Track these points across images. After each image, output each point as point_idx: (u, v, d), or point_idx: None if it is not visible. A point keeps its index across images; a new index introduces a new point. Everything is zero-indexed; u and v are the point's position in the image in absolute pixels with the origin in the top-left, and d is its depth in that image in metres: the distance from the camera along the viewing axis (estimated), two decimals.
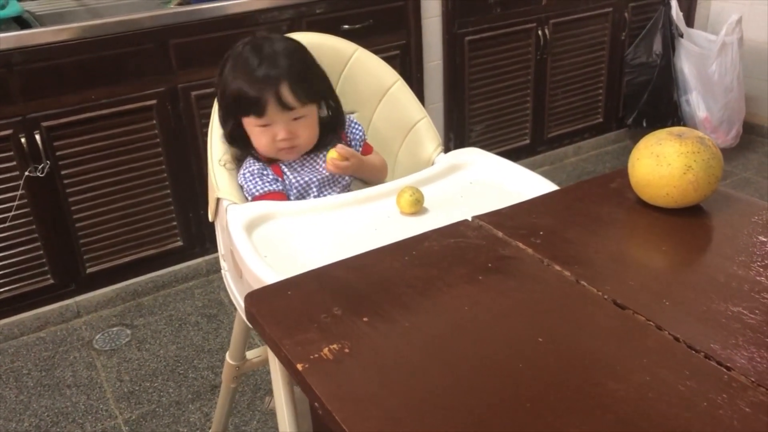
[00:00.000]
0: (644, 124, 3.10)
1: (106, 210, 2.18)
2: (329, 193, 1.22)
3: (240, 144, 1.23)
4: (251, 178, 1.19)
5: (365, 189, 1.18)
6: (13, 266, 2.09)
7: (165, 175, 2.23)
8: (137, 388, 1.94)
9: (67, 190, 2.09)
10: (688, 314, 0.73)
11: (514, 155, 2.93)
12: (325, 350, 0.70)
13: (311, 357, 0.69)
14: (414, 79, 2.58)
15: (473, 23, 2.64)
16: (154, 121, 2.16)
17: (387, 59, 2.48)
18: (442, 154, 1.35)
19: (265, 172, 1.19)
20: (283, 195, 1.20)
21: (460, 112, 2.76)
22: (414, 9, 2.49)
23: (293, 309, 0.77)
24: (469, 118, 2.80)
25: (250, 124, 1.18)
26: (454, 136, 2.79)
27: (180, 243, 2.34)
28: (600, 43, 2.98)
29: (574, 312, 0.75)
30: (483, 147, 2.86)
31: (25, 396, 1.93)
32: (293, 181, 1.21)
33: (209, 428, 1.77)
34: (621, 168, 1.02)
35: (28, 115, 1.97)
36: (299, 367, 0.68)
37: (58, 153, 2.04)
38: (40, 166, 2.01)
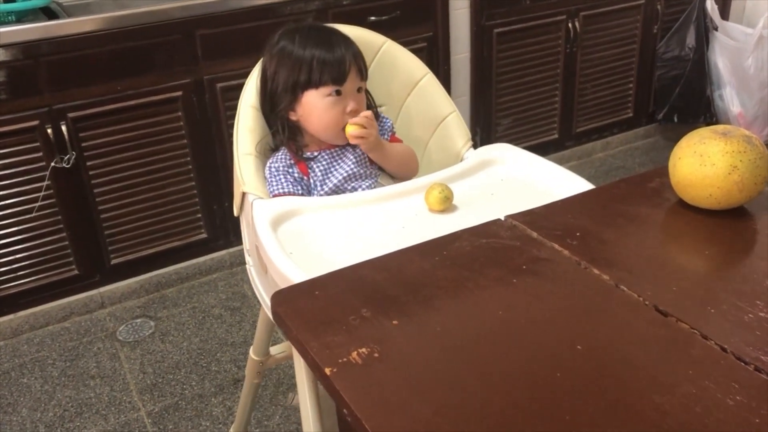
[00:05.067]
0: (675, 120, 3.03)
1: (131, 201, 2.17)
2: (356, 189, 1.20)
3: (285, 128, 1.20)
4: (276, 174, 1.17)
5: (393, 185, 1.15)
6: (38, 256, 2.09)
7: (190, 167, 2.22)
8: (160, 381, 1.93)
9: (93, 181, 2.09)
10: (735, 323, 0.69)
11: (541, 150, 2.88)
12: (354, 354, 0.67)
13: (339, 361, 0.67)
14: (441, 71, 2.55)
15: (502, 15, 2.59)
16: (180, 113, 2.15)
17: (414, 51, 2.45)
18: (472, 149, 1.32)
19: (290, 171, 1.17)
20: None
21: (487, 105, 2.72)
22: (442, 0, 2.45)
23: (320, 310, 0.75)
24: (496, 112, 2.76)
25: (319, 96, 1.15)
26: (481, 130, 2.75)
27: (204, 235, 2.33)
28: (631, 36, 2.92)
29: (614, 318, 0.71)
30: (510, 141, 2.81)
31: (49, 386, 1.94)
32: (320, 175, 1.19)
33: (232, 422, 1.76)
34: (660, 167, 0.98)
35: (55, 106, 1.97)
36: (327, 371, 0.65)
37: (83, 144, 2.04)
38: (66, 157, 2.01)
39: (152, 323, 2.18)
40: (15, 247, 2.05)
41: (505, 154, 1.23)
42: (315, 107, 1.15)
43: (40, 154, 1.99)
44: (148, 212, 2.21)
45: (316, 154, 1.20)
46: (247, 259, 1.27)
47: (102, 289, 2.23)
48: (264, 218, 1.05)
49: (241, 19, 2.12)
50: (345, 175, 1.18)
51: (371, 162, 1.22)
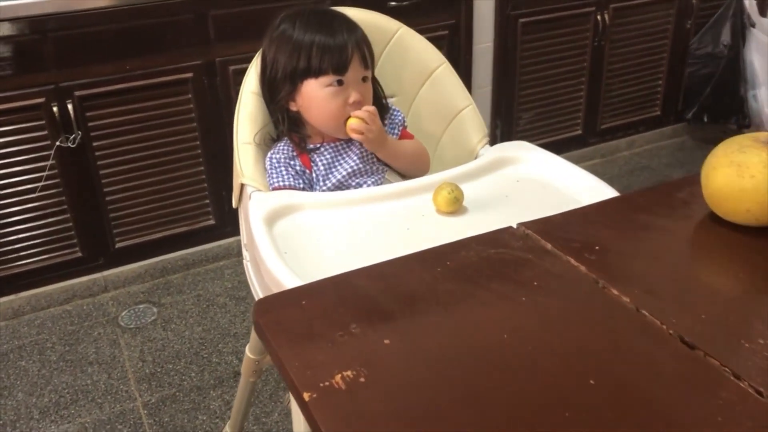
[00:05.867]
0: (705, 119, 2.91)
1: (137, 184, 2.12)
2: (361, 185, 1.12)
3: (285, 119, 1.13)
4: (277, 165, 1.10)
5: (400, 183, 1.08)
6: (41, 237, 2.05)
7: (199, 151, 2.16)
8: (159, 370, 1.88)
9: (98, 162, 2.04)
10: None
11: (564, 146, 2.79)
12: (338, 377, 0.60)
13: (321, 385, 0.59)
14: (462, 61, 2.46)
15: (528, 4, 2.49)
16: (190, 95, 2.09)
17: (434, 39, 2.37)
18: (488, 146, 1.24)
19: (291, 163, 1.10)
20: None
21: (508, 98, 2.62)
22: None
23: (306, 322, 0.68)
24: (518, 105, 2.66)
25: (319, 86, 1.07)
26: (501, 123, 2.65)
27: (212, 221, 2.27)
28: (663, 31, 2.80)
29: (633, 349, 0.63)
30: (531, 136, 2.74)
31: (47, 370, 1.89)
32: (322, 169, 1.11)
33: (229, 418, 1.70)
34: (691, 175, 0.89)
35: (61, 83, 1.91)
36: (306, 396, 0.58)
37: (90, 124, 1.99)
38: (71, 137, 1.95)
39: (155, 310, 2.13)
40: (18, 227, 2.01)
41: (522, 153, 1.15)
42: (315, 98, 1.07)
43: (45, 132, 1.94)
44: (155, 196, 2.16)
45: (319, 146, 1.13)
46: (245, 253, 1.20)
47: (105, 273, 2.18)
48: (259, 213, 0.99)
49: (255, 1, 2.05)
50: (349, 170, 1.11)
51: (377, 158, 1.14)
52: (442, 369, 0.62)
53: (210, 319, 2.08)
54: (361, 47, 1.07)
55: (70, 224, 2.07)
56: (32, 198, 1.99)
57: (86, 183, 2.04)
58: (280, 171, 1.10)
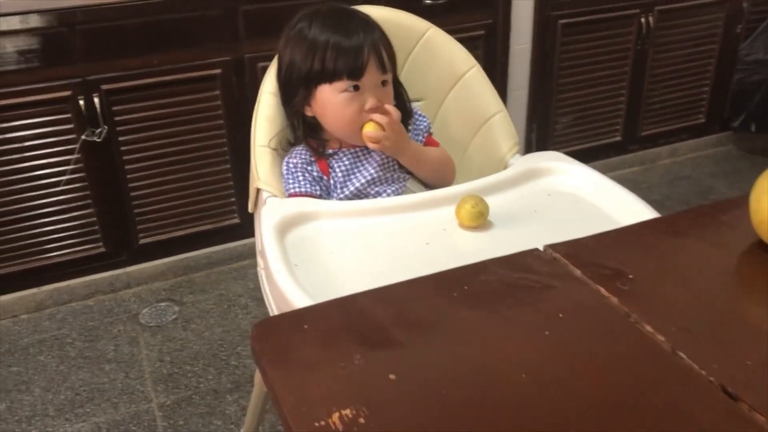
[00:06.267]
0: (752, 129, 2.79)
1: (162, 180, 2.09)
2: (381, 194, 1.06)
3: (301, 124, 1.08)
4: (294, 170, 1.05)
5: (421, 193, 1.01)
6: (65, 231, 2.03)
7: (226, 148, 2.12)
8: (176, 371, 1.85)
9: (124, 158, 2.01)
10: None
11: (602, 152, 2.69)
12: (335, 416, 0.55)
13: (316, 425, 0.54)
14: (498, 62, 2.38)
15: (569, 5, 2.40)
16: (218, 92, 2.05)
17: (470, 39, 2.31)
18: (518, 155, 1.17)
19: (309, 168, 1.05)
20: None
21: (546, 101, 2.54)
22: None
23: (306, 350, 0.62)
24: (555, 109, 2.57)
25: (335, 90, 1.01)
26: (537, 128, 2.57)
27: (237, 220, 2.23)
28: (711, 36, 2.68)
29: (668, 397, 0.56)
30: (568, 141, 2.64)
31: (65, 366, 1.88)
32: (340, 176, 1.06)
33: (244, 424, 1.66)
34: (739, 196, 0.81)
35: (88, 77, 1.89)
36: None
37: (116, 118, 1.96)
38: (97, 131, 1.93)
39: (176, 308, 2.10)
40: (42, 220, 1.99)
41: (555, 165, 1.08)
42: (329, 104, 1.01)
43: (71, 126, 1.92)
44: (180, 193, 2.13)
45: (337, 151, 1.07)
46: (259, 261, 1.15)
47: (128, 269, 2.16)
48: (272, 222, 0.93)
49: None
50: (368, 178, 1.05)
51: (400, 165, 1.08)
52: (452, 412, 0.55)
53: (230, 320, 2.04)
54: (379, 49, 1.01)
55: (94, 219, 2.05)
56: (57, 192, 1.97)
57: (111, 178, 2.02)
58: (297, 176, 1.05)
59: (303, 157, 1.06)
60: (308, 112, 1.05)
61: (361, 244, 0.92)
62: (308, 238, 0.93)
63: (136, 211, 2.09)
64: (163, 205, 2.12)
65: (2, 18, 1.76)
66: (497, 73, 2.38)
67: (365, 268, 0.87)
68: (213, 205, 2.19)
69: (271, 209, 0.96)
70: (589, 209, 0.97)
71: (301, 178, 1.05)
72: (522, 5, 2.35)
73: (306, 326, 0.65)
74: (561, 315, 0.66)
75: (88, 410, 1.74)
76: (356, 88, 1.00)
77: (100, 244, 2.09)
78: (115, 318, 2.06)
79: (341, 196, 1.06)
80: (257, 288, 2.17)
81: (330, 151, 1.07)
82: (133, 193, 2.07)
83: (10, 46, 1.79)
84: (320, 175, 1.06)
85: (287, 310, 0.79)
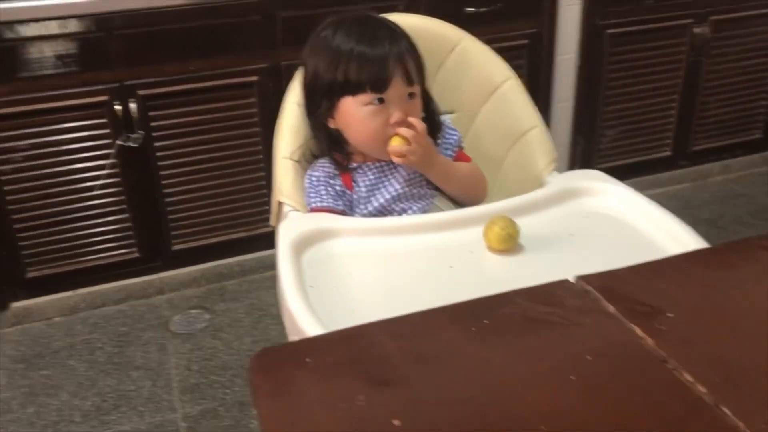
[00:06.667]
0: None
1: (197, 187, 2.07)
2: (406, 211, 1.01)
3: (325, 136, 1.03)
4: (316, 184, 1.00)
5: (449, 212, 0.96)
6: (100, 235, 2.03)
7: (261, 156, 2.10)
8: (204, 381, 1.82)
9: (159, 163, 2.00)
10: None
11: (650, 167, 2.59)
12: None
13: None
14: (543, 72, 2.30)
15: (619, 14, 2.31)
16: (254, 99, 2.02)
17: (513, 49, 2.23)
18: (556, 173, 1.11)
19: (331, 182, 1.00)
20: (341, 215, 1.00)
21: (592, 113, 2.45)
22: None
23: (306, 386, 0.57)
24: (602, 122, 2.48)
25: (358, 103, 0.96)
26: (583, 141, 2.48)
27: (271, 228, 2.20)
28: None
29: None
30: (615, 155, 2.54)
31: (93, 372, 1.87)
32: (364, 191, 1.01)
33: None
34: None
35: (125, 82, 1.88)
36: None
37: (152, 124, 1.95)
38: (133, 136, 1.92)
39: (207, 316, 2.08)
40: (77, 224, 1.99)
41: (595, 185, 1.01)
42: (353, 117, 0.96)
43: (107, 131, 1.91)
44: (215, 200, 2.11)
45: (362, 165, 1.02)
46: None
47: (162, 275, 2.15)
48: (289, 239, 0.89)
49: (327, 3, 1.96)
50: (394, 194, 1.00)
51: (427, 181, 1.02)
52: None
53: (261, 331, 2.01)
54: (405, 60, 0.95)
55: (129, 224, 2.05)
56: (92, 196, 1.97)
57: (146, 183, 2.01)
58: (319, 190, 1.00)
59: (326, 170, 1.02)
60: (332, 125, 1.01)
61: (381, 265, 0.87)
62: (326, 256, 0.89)
63: (171, 217, 2.08)
64: (198, 212, 2.11)
65: (41, 22, 1.76)
66: (541, 83, 2.31)
67: (384, 291, 0.82)
68: (247, 212, 2.16)
69: (289, 225, 0.92)
70: (630, 234, 0.90)
71: (323, 192, 1.00)
72: (568, 14, 2.27)
73: (308, 360, 0.60)
74: (589, 357, 0.59)
75: (113, 418, 1.72)
76: (381, 101, 0.95)
77: (135, 249, 2.09)
78: (146, 324, 2.05)
79: (364, 212, 1.01)
80: None
81: (354, 164, 1.03)
82: (167, 199, 2.06)
83: (49, 50, 1.80)
84: (343, 189, 1.01)
85: (297, 336, 0.74)
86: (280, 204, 1.03)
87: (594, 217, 0.95)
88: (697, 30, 2.40)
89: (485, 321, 0.64)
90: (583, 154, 2.48)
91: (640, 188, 2.78)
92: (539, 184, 1.09)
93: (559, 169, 1.13)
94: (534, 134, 1.11)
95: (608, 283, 0.69)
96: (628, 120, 2.50)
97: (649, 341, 0.61)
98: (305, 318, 0.74)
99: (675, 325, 0.63)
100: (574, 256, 0.84)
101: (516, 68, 2.21)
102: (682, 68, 2.47)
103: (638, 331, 0.62)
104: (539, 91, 2.32)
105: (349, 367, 0.59)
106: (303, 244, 0.90)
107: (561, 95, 2.40)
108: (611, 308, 0.65)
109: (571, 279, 0.71)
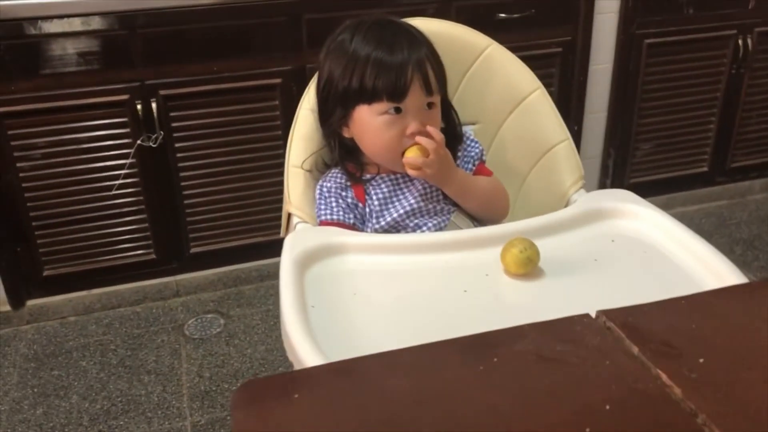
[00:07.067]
0: None
1: (217, 189, 2.04)
2: (421, 227, 0.95)
3: (338, 145, 0.98)
4: (327, 196, 0.95)
5: (464, 230, 0.90)
6: (117, 235, 2.01)
7: (282, 160, 2.02)
8: (214, 389, 1.79)
9: (179, 164, 1.97)
10: None
11: (686, 183, 2.50)
12: None
13: None
14: (576, 82, 2.23)
15: (657, 24, 2.22)
16: (277, 102, 1.99)
17: (546, 57, 2.16)
18: (583, 191, 1.04)
19: (343, 194, 0.95)
20: (352, 230, 0.95)
21: (626, 126, 2.36)
22: (587, 1, 2.13)
23: (292, 426, 0.52)
24: (636, 134, 2.39)
25: (373, 112, 0.91)
26: (615, 153, 2.39)
27: None
28: None
29: None
30: (650, 169, 2.45)
31: (105, 374, 1.84)
32: (377, 205, 0.95)
33: None
34: None
35: (147, 81, 1.86)
36: None
37: (173, 124, 1.92)
38: (153, 136, 1.90)
39: (222, 321, 2.04)
40: (95, 223, 1.97)
41: (624, 207, 0.94)
42: (368, 126, 0.91)
43: (128, 130, 1.89)
44: (234, 203, 2.08)
45: (376, 176, 0.97)
46: None
47: (178, 277, 2.12)
48: (293, 254, 0.84)
49: (353, 5, 1.92)
50: (408, 208, 0.94)
51: (445, 195, 0.96)
52: None
53: (275, 339, 1.97)
54: (425, 68, 0.90)
55: (146, 225, 2.02)
56: (110, 195, 1.95)
57: (165, 184, 1.98)
58: (330, 203, 0.95)
59: (338, 181, 0.97)
60: (346, 133, 0.95)
61: (389, 285, 0.81)
62: (332, 274, 0.83)
63: (189, 219, 2.05)
64: (216, 215, 2.08)
65: (64, 19, 1.75)
66: (574, 93, 2.23)
67: (390, 316, 0.76)
68: (266, 216, 2.13)
69: (295, 239, 0.87)
70: (660, 263, 0.83)
71: (334, 204, 0.95)
72: (605, 22, 2.19)
73: (296, 395, 0.55)
74: (608, 407, 0.53)
75: (121, 423, 1.69)
76: (397, 110, 0.89)
77: (152, 250, 2.06)
78: (160, 327, 2.02)
79: (376, 226, 0.95)
80: None
81: (368, 176, 0.97)
82: (186, 201, 2.03)
83: (71, 47, 1.78)
84: (355, 201, 0.96)
85: (296, 362, 0.69)
86: (289, 215, 0.98)
87: (621, 242, 0.88)
88: (740, 42, 2.30)
89: (495, 359, 0.58)
90: (615, 167, 2.40)
91: (675, 204, 2.68)
92: (564, 202, 1.02)
93: (587, 188, 1.06)
94: (561, 149, 1.05)
95: (633, 319, 0.62)
96: (663, 133, 2.41)
97: (677, 390, 0.54)
98: (303, 346, 0.68)
99: (707, 372, 0.56)
100: (597, 285, 0.78)
101: (548, 77, 2.17)
102: (723, 81, 2.37)
103: (665, 377, 0.56)
104: (571, 101, 2.24)
105: (342, 405, 0.54)
106: (308, 260, 0.85)
107: (594, 106, 2.32)
108: (635, 349, 0.59)
109: (592, 313, 0.64)
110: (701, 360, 0.58)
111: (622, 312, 0.63)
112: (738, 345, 0.60)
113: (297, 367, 0.68)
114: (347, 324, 0.75)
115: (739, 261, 2.19)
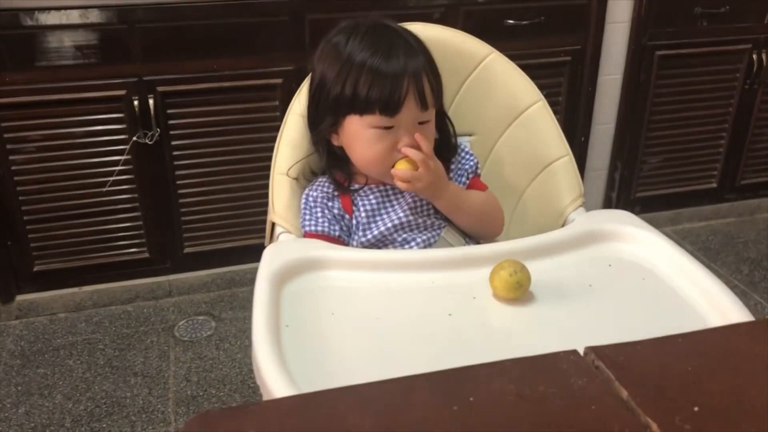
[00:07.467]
0: None
1: (213, 189, 2.00)
2: (409, 242, 0.91)
3: (326, 153, 0.94)
4: (312, 205, 0.91)
5: (452, 249, 0.85)
6: (109, 232, 1.97)
7: None
8: (201, 394, 1.75)
9: (175, 163, 1.94)
10: None
11: (694, 199, 2.44)
12: None
13: None
14: (584, 92, 2.18)
15: (669, 35, 2.17)
16: (277, 102, 1.95)
17: (554, 65, 2.11)
18: (582, 210, 0.99)
19: (329, 204, 0.90)
20: (337, 242, 0.90)
21: (634, 138, 2.31)
22: (598, 10, 2.08)
23: None
24: (644, 148, 2.34)
25: (364, 125, 0.87)
26: (621, 166, 2.34)
27: None
28: None
29: None
30: (657, 183, 2.40)
31: (91, 374, 1.80)
32: (364, 217, 0.91)
33: None
34: None
35: (145, 77, 1.82)
36: None
37: (170, 121, 1.89)
38: (149, 133, 1.86)
39: (213, 324, 2.00)
40: (87, 219, 1.94)
41: (625, 230, 0.89)
42: (358, 137, 0.86)
43: (123, 126, 1.85)
44: (230, 204, 2.04)
45: (364, 187, 0.92)
46: None
47: (171, 277, 2.08)
48: (269, 269, 0.80)
49: (358, 6, 1.88)
50: (396, 222, 0.90)
51: (435, 210, 0.92)
52: None
53: None
54: (421, 81, 0.85)
55: (140, 223, 1.98)
56: (104, 191, 1.91)
57: (160, 182, 1.95)
58: (315, 213, 0.91)
59: (325, 190, 0.92)
60: (335, 141, 0.91)
61: (370, 306, 0.77)
62: (311, 290, 0.79)
63: (183, 218, 2.02)
64: (211, 215, 2.04)
65: (62, 11, 1.71)
66: (582, 103, 2.18)
67: (368, 340, 0.72)
68: (262, 219, 2.05)
69: (274, 251, 0.83)
70: (658, 290, 0.78)
71: (319, 214, 0.91)
72: (616, 32, 2.14)
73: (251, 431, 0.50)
74: None
75: (104, 425, 1.65)
76: (389, 126, 0.85)
77: (145, 249, 2.03)
78: (150, 327, 1.98)
79: (363, 239, 0.91)
80: None
81: (356, 186, 0.93)
82: (181, 200, 1.99)
83: (68, 40, 1.74)
84: (342, 212, 0.92)
85: (262, 388, 0.65)
86: (273, 224, 0.94)
87: (618, 266, 0.84)
88: (754, 57, 2.24)
89: (471, 398, 0.54)
90: (621, 180, 2.35)
91: (682, 220, 2.61)
92: (561, 221, 0.97)
93: (593, 200, 1.01)
94: (560, 165, 1.00)
95: (624, 359, 0.58)
96: (672, 147, 2.36)
97: None
98: (271, 374, 0.64)
99: (702, 423, 0.51)
100: (590, 314, 0.73)
101: (556, 86, 2.12)
102: (735, 96, 2.32)
103: (654, 427, 0.51)
104: (579, 111, 2.19)
105: None
106: (287, 274, 0.81)
107: (602, 117, 2.27)
108: (624, 393, 0.54)
109: (582, 346, 0.59)
110: (696, 408, 0.53)
111: (613, 349, 0.59)
112: (737, 393, 0.55)
113: (263, 393, 0.64)
114: (322, 347, 0.70)
115: (746, 281, 2.14)
